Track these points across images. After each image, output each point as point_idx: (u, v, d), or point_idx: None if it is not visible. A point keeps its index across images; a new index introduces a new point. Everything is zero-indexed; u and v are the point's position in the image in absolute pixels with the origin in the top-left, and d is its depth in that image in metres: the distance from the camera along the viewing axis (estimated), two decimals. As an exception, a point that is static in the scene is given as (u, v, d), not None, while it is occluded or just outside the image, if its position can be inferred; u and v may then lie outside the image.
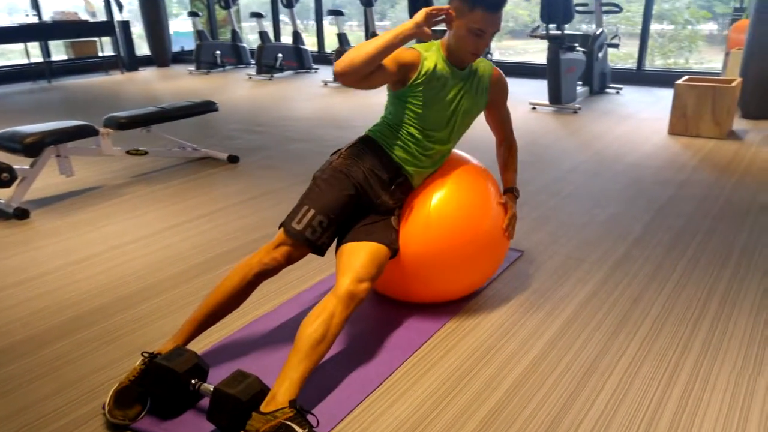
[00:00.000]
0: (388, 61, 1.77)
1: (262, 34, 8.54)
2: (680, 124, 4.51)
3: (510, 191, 2.17)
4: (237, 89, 7.46)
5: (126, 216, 3.12)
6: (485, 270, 2.13)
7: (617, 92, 6.55)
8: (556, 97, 5.63)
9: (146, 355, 1.70)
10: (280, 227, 1.88)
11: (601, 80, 6.43)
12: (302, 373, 1.55)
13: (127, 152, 3.84)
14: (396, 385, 1.75)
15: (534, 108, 5.81)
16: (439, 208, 1.99)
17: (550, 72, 5.54)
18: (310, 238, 1.84)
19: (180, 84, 7.97)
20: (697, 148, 4.22)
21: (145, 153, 3.91)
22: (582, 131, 4.82)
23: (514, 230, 2.13)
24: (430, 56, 1.91)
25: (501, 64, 7.97)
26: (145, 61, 9.94)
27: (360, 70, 1.66)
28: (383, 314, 2.13)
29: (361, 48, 1.67)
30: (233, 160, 4.14)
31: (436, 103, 1.93)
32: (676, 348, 1.88)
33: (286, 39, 9.90)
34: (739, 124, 4.93)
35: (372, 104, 6.24)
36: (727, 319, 2.05)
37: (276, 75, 8.56)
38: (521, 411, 1.62)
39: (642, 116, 5.33)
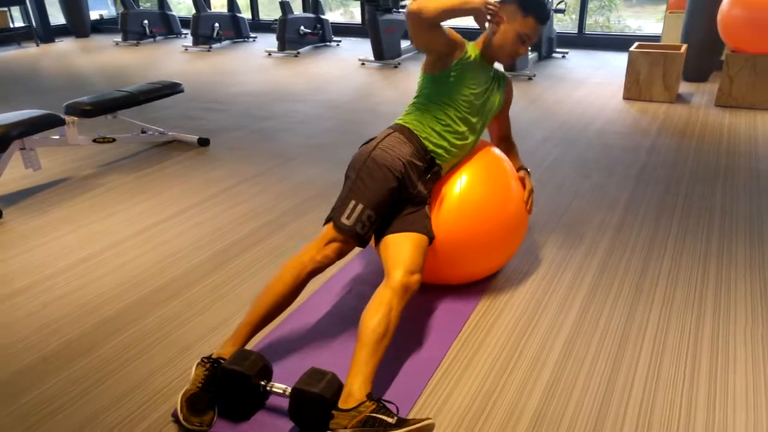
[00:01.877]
0: (446, 31, 1.89)
1: (196, 2, 8.10)
2: (634, 89, 4.78)
3: (522, 169, 2.26)
4: (175, 62, 7.08)
5: (109, 211, 2.96)
6: (511, 249, 2.22)
7: (563, 56, 6.78)
8: (379, 53, 5.91)
9: (207, 360, 1.68)
10: (326, 222, 1.88)
11: (548, 45, 6.63)
12: (373, 367, 1.60)
13: (94, 140, 3.61)
14: (452, 366, 1.82)
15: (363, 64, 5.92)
16: (467, 193, 2.05)
17: (371, 31, 5.81)
18: (360, 233, 1.85)
19: (108, 58, 7.46)
20: (654, 113, 4.49)
21: (113, 140, 3.69)
22: (542, 99, 5.00)
23: (533, 204, 2.24)
24: (471, 48, 2.02)
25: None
26: (61, 31, 9.20)
27: (426, 19, 1.77)
28: (418, 298, 2.18)
29: (433, 0, 1.76)
30: (204, 143, 3.98)
31: (474, 88, 2.01)
32: (692, 313, 2.07)
33: (218, 7, 9.44)
34: (682, 87, 5.28)
35: (321, 74, 6.14)
36: (728, 279, 2.26)
37: (214, 45, 8.18)
38: (575, 381, 1.74)
39: (594, 81, 5.57)
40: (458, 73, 1.99)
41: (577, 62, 6.50)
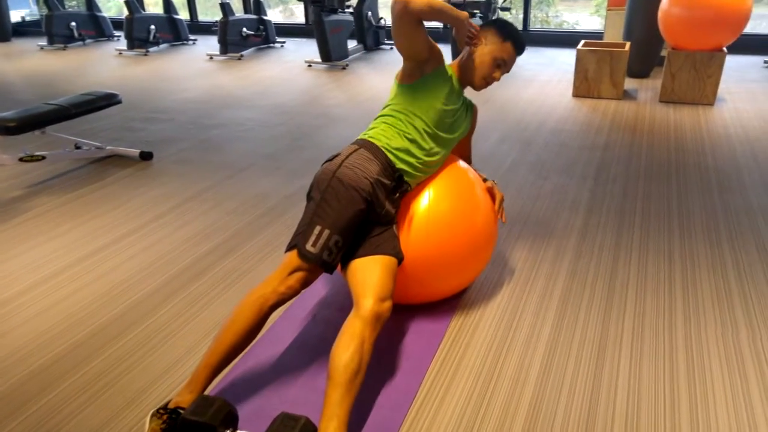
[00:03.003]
0: (427, 38, 1.83)
1: (129, 4, 7.69)
2: (583, 86, 4.82)
3: (486, 180, 2.20)
4: (109, 68, 6.70)
5: (39, 239, 2.70)
6: (481, 263, 2.14)
7: (391, 48, 6.84)
8: (325, 54, 5.92)
9: (162, 410, 1.51)
10: (289, 249, 1.74)
11: (374, 37, 6.69)
12: (348, 408, 1.48)
13: (21, 159, 3.31)
14: (430, 395, 1.72)
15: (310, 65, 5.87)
16: (435, 209, 1.96)
17: (317, 32, 5.79)
18: (327, 260, 1.73)
19: (33, 64, 6.99)
20: (604, 110, 4.54)
21: (42, 158, 3.40)
22: (495, 98, 4.98)
23: (505, 213, 2.18)
24: (448, 67, 1.98)
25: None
26: (-20, 37, 8.58)
27: (412, 12, 1.71)
28: (387, 321, 2.07)
29: None
30: (146, 156, 3.74)
31: (447, 104, 1.93)
32: (664, 319, 2.05)
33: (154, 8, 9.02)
34: (627, 83, 5.38)
35: (268, 78, 5.94)
36: (693, 282, 2.26)
37: (151, 49, 7.81)
38: (558, 397, 1.68)
39: (542, 79, 5.61)
40: (434, 83, 1.90)
41: (524, 60, 6.54)
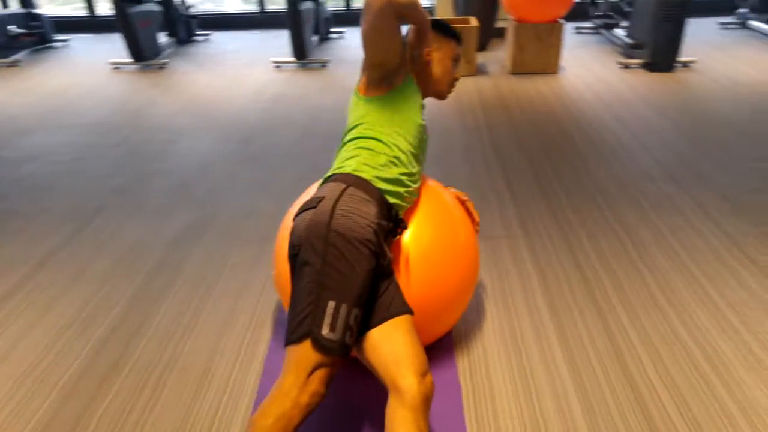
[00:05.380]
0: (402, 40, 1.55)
1: None
2: (437, 66, 4.74)
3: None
4: None
5: None
6: (472, 287, 1.87)
7: (341, 36, 6.52)
8: (301, 51, 5.27)
9: None
10: (296, 342, 1.26)
11: (325, 26, 6.29)
12: None
13: None
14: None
15: (278, 66, 5.36)
16: (424, 243, 1.63)
17: (293, 25, 5.12)
18: (349, 344, 1.30)
19: None
20: (467, 88, 4.51)
21: None
22: (338, 86, 4.66)
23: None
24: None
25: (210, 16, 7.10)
26: None
27: (397, 5, 1.40)
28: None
29: None
30: (-60, 216, 2.72)
31: (421, 119, 1.62)
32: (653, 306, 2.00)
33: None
34: (468, 57, 5.46)
35: (64, 88, 4.85)
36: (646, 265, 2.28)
37: (12, 57, 5.95)
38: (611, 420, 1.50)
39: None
40: (408, 94, 1.57)
41: (357, 40, 6.29)
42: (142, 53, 5.45)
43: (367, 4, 1.41)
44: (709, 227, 2.44)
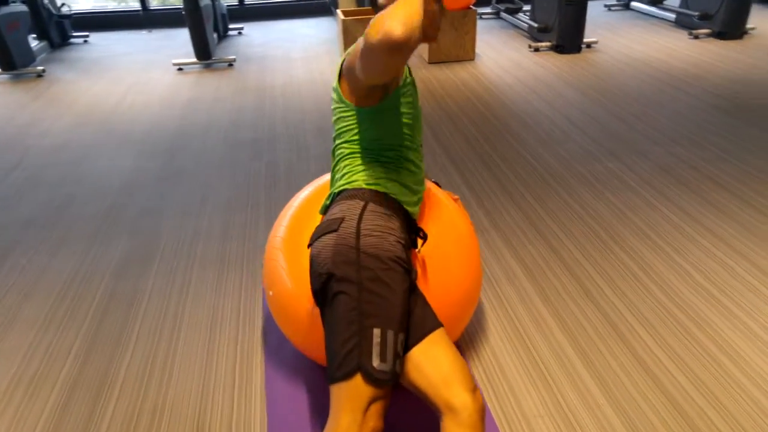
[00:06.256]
0: None
1: None
2: (355, 59, 4.62)
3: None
4: None
5: None
6: (478, 295, 1.79)
7: (239, 33, 6.17)
8: (204, 51, 4.90)
9: None
10: (344, 378, 1.12)
11: (223, 23, 5.91)
12: None
13: None
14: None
15: (181, 69, 4.96)
16: (434, 252, 1.54)
17: (194, 23, 4.74)
18: (399, 371, 1.17)
19: None
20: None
21: None
22: (252, 86, 4.41)
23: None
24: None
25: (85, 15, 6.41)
26: None
27: (415, 43, 1.01)
28: (408, 411, 1.58)
29: (400, 9, 1.00)
30: None
31: (414, 109, 1.44)
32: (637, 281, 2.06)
33: None
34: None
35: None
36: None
37: None
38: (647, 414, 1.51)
39: (300, 56, 5.21)
40: (406, 92, 1.38)
41: (259, 37, 5.99)
42: (13, 61, 4.80)
43: (368, 50, 1.04)
44: (663, 202, 2.56)
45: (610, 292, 1.99)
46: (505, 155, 3.08)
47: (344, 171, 1.39)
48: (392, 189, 1.35)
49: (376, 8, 1.31)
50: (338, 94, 1.39)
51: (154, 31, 6.46)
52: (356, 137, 1.38)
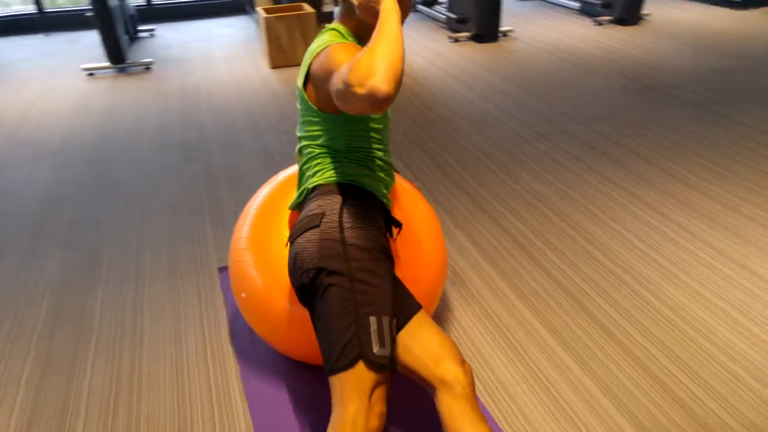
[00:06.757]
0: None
1: None
2: (279, 56, 4.54)
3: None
4: None
5: None
6: (444, 280, 1.85)
7: (151, 35, 5.89)
8: (117, 54, 4.64)
9: None
10: (346, 368, 1.13)
11: (132, 24, 5.61)
12: None
13: None
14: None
15: (91, 74, 4.67)
16: (405, 237, 1.58)
17: (104, 24, 4.47)
18: (395, 355, 1.20)
19: None
20: (312, 76, 4.39)
21: None
22: (174, 89, 4.25)
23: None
24: (352, 46, 1.27)
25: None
26: None
27: (396, 94, 1.02)
28: (404, 401, 1.61)
29: (386, 53, 1.01)
30: None
31: (387, 113, 1.49)
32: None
33: None
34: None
35: None
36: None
37: None
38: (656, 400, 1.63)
39: (219, 56, 5.05)
40: None
41: (174, 38, 5.75)
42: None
43: (350, 97, 1.02)
44: (593, 175, 2.73)
45: (560, 262, 2.12)
46: (442, 143, 3.16)
47: (316, 168, 1.38)
48: (367, 183, 1.36)
49: (320, 18, 1.26)
50: (304, 100, 1.36)
51: (51, 34, 6.04)
52: (326, 142, 1.37)
